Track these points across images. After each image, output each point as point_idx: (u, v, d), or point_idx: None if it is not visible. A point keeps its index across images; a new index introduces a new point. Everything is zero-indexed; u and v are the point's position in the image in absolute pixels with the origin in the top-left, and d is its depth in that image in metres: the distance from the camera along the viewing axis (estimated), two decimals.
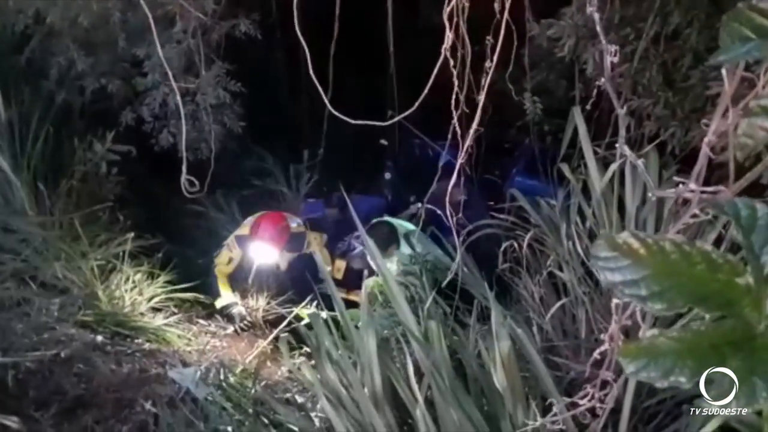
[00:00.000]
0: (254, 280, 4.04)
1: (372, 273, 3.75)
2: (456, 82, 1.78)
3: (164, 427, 2.57)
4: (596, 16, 1.39)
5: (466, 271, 2.93)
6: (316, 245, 4.11)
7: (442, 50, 1.60)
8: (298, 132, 6.04)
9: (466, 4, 1.89)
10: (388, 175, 5.27)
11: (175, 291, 3.70)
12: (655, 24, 2.93)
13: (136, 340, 3.18)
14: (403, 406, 2.06)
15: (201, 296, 3.90)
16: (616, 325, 1.31)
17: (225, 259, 3.97)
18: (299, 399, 2.97)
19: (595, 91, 1.84)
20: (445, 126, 2.07)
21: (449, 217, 2.17)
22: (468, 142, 1.77)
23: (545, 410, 1.55)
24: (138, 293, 3.53)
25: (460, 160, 1.88)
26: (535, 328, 2.48)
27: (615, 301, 1.31)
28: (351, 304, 3.55)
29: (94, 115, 4.39)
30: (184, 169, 2.18)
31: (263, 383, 3.08)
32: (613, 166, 2.40)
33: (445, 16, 1.57)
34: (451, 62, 1.66)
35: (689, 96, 2.94)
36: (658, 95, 3.03)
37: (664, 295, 0.68)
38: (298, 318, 3.55)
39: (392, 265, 3.60)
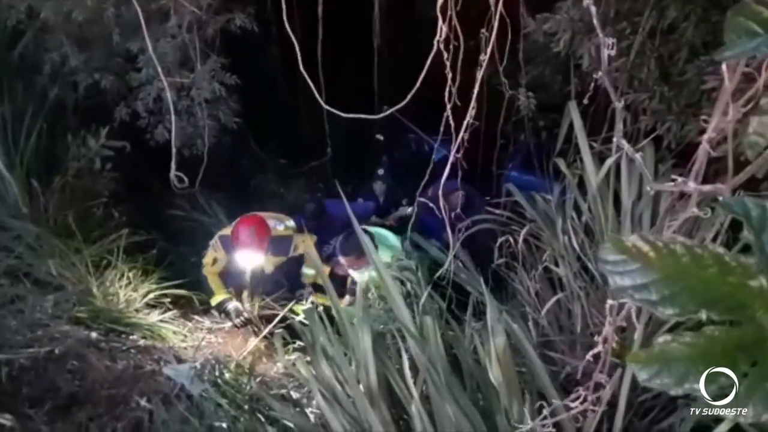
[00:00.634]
0: (240, 282, 3.94)
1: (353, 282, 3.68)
2: (449, 76, 1.76)
3: (159, 423, 2.56)
4: (593, 8, 1.38)
5: (460, 266, 2.93)
6: (304, 248, 3.97)
7: (435, 42, 1.59)
8: (297, 128, 6.02)
9: None
10: (381, 171, 5.23)
11: (170, 287, 3.68)
12: (651, 18, 2.93)
13: (130, 337, 3.16)
14: (398, 401, 2.06)
15: (196, 292, 3.88)
16: (610, 327, 1.30)
17: (210, 260, 3.90)
18: (295, 395, 2.96)
19: (591, 85, 1.83)
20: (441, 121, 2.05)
21: (449, 218, 2.14)
22: (461, 134, 1.75)
23: (541, 406, 1.54)
24: (132, 290, 3.50)
25: (453, 156, 1.86)
26: (530, 323, 2.48)
27: (609, 302, 1.30)
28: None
29: (88, 111, 4.36)
30: (173, 165, 2.16)
31: (258, 379, 3.07)
32: (610, 161, 2.39)
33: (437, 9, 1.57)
34: (445, 55, 1.65)
35: (685, 90, 2.94)
36: (654, 89, 3.03)
37: (675, 299, 0.66)
38: (295, 313, 3.54)
39: (368, 273, 3.46)
